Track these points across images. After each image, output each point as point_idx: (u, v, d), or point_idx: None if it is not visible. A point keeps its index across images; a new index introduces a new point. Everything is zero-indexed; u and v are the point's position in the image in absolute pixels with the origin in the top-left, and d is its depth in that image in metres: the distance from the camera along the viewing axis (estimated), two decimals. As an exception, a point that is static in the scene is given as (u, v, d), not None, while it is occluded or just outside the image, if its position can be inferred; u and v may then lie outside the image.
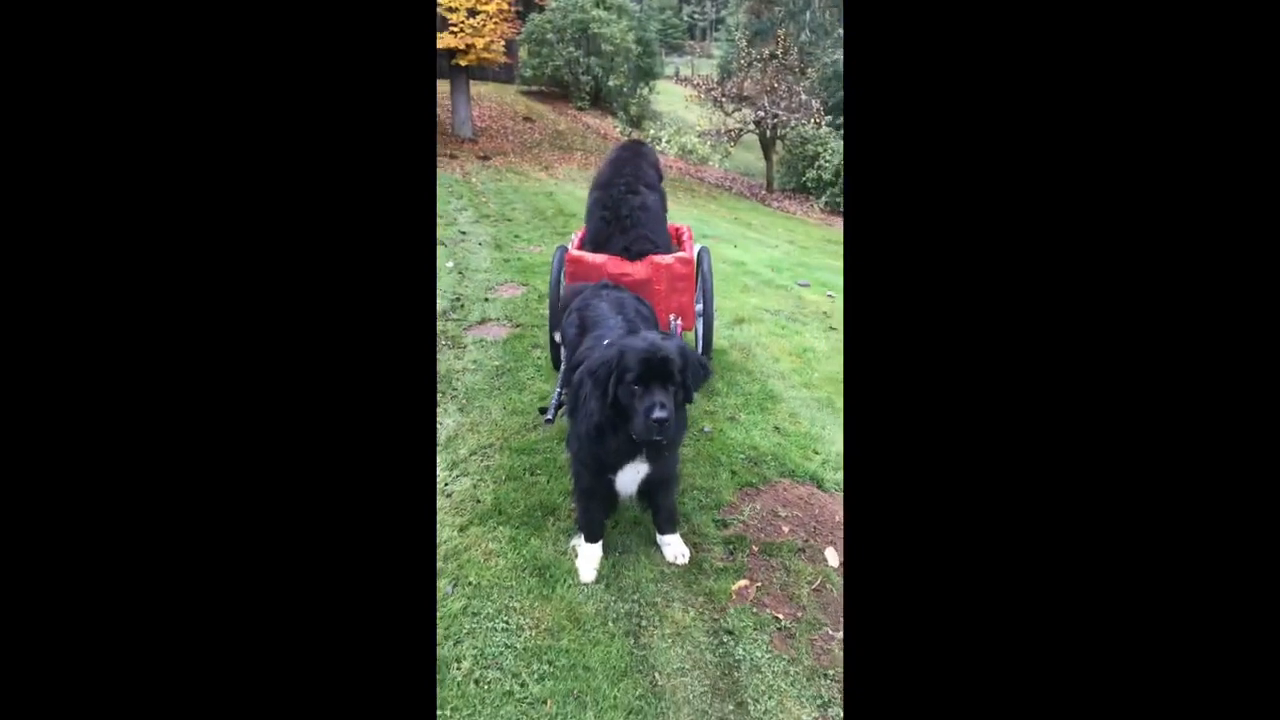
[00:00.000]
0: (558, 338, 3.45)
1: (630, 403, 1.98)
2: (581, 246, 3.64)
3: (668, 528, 2.40)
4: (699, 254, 3.56)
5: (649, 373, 1.95)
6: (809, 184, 13.91)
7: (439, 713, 1.77)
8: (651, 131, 15.97)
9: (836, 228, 11.95)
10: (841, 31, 16.33)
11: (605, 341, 2.20)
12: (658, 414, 1.91)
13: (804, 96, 13.82)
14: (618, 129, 15.48)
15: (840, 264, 8.12)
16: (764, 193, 14.39)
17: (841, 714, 1.83)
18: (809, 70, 14.75)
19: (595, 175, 3.85)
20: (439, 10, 10.96)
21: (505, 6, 11.68)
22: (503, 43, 12.03)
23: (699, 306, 3.62)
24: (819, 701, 1.87)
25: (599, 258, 3.37)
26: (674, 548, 2.38)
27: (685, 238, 3.86)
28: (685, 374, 2.02)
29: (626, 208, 3.47)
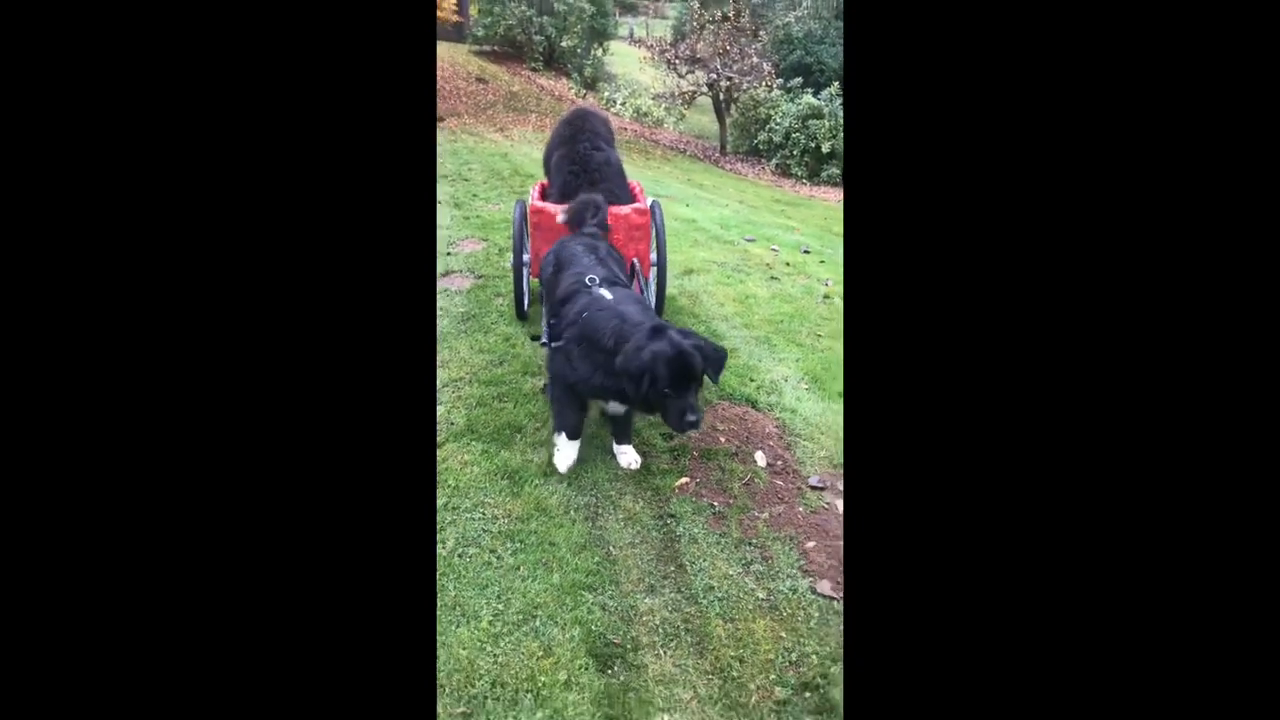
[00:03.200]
0: (511, 262, 3.80)
1: (662, 403, 2.26)
2: (543, 199, 3.94)
3: (624, 439, 2.78)
4: (651, 206, 3.89)
5: (680, 378, 2.22)
6: (760, 146, 14.23)
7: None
8: (606, 94, 16.03)
9: (785, 189, 12.35)
10: (792, -6, 16.53)
11: (620, 320, 2.43)
12: (690, 417, 2.22)
13: (756, 59, 14.07)
14: (573, 90, 15.48)
15: (786, 221, 8.53)
16: (718, 155, 14.67)
17: (762, 569, 2.25)
18: (761, 33, 14.97)
19: (553, 135, 4.15)
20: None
21: (456, -36, 11.57)
22: (453, 1, 11.92)
23: (653, 256, 3.96)
24: (744, 562, 2.29)
25: (560, 208, 3.67)
26: (628, 456, 2.77)
27: (638, 192, 4.18)
28: (707, 369, 2.29)
29: (594, 162, 3.83)
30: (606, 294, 2.60)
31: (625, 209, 3.72)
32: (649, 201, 3.92)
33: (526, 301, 3.98)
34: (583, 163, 3.82)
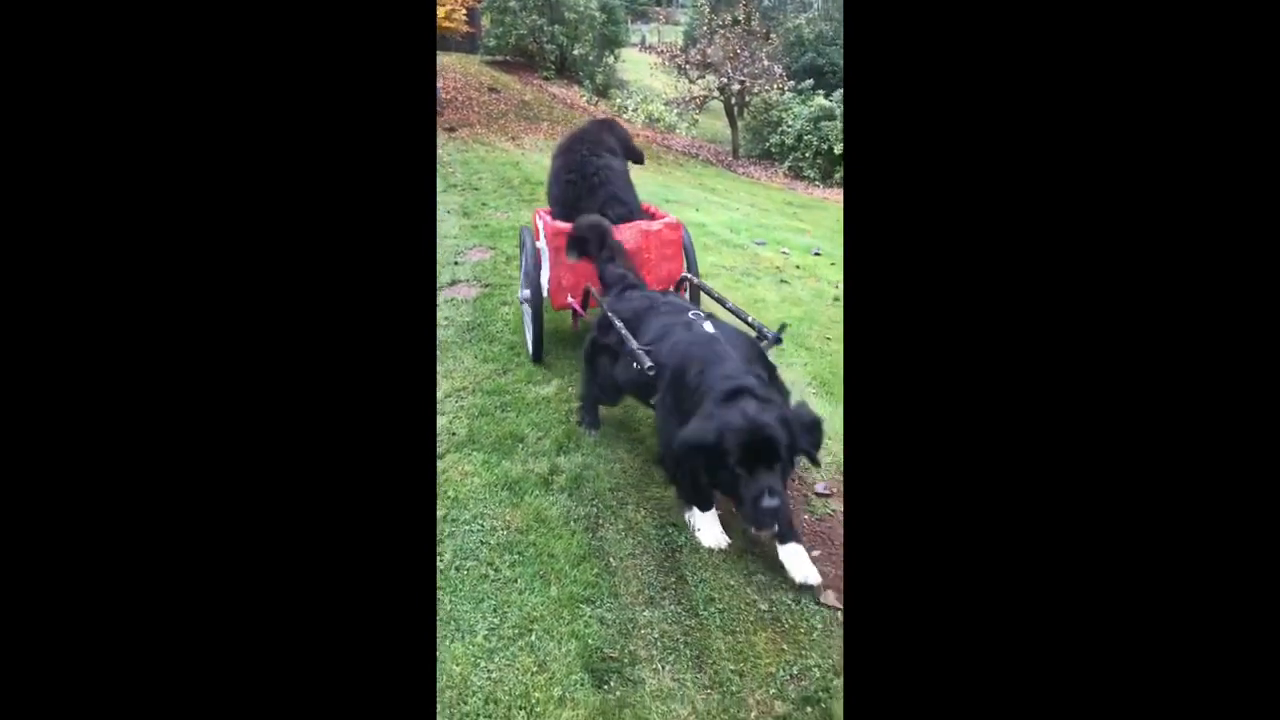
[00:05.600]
0: (524, 297, 3.51)
1: (735, 489, 1.86)
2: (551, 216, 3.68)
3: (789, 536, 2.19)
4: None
5: (752, 455, 1.81)
6: (773, 149, 14.17)
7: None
8: (618, 100, 16.06)
9: (798, 191, 12.29)
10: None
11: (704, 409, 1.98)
12: (766, 503, 1.79)
13: (767, 63, 14.03)
14: (584, 98, 15.54)
15: (797, 224, 8.46)
16: (730, 159, 14.63)
17: (764, 580, 2.19)
18: (772, 36, 14.94)
19: (554, 151, 3.95)
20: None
21: (466, -25, 11.68)
22: (464, 11, 12.03)
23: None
24: (746, 573, 2.23)
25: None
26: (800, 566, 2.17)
27: (655, 214, 3.97)
28: (793, 444, 1.87)
29: (592, 167, 3.60)
30: (709, 328, 2.33)
31: (656, 224, 3.50)
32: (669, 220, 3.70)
33: (543, 344, 3.62)
34: (579, 169, 3.61)
